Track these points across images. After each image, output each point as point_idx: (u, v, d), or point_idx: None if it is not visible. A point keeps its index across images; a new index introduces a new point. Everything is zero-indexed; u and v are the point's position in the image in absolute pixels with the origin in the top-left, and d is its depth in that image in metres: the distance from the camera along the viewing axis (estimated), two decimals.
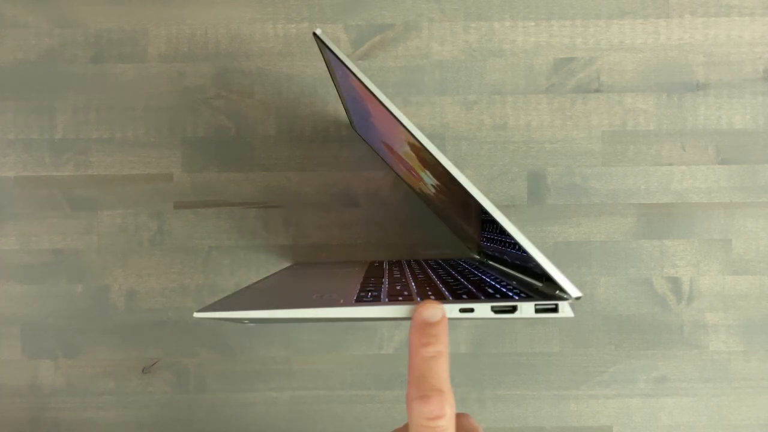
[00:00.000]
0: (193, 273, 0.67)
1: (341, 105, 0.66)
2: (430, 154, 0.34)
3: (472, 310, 0.32)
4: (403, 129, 0.35)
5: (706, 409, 0.66)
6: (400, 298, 0.35)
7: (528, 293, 0.35)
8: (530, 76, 0.66)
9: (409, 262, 0.61)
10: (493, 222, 0.34)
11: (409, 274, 0.49)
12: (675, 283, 0.66)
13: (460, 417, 0.38)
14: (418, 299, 0.35)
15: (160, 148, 0.67)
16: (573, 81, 0.66)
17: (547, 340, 0.66)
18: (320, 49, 0.45)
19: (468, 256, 0.67)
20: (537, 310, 0.32)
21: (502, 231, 0.34)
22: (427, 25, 0.67)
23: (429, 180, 0.49)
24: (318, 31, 0.37)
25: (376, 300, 0.35)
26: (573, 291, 0.32)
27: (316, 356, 0.67)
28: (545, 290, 0.35)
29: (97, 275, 0.67)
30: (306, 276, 0.53)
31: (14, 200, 0.67)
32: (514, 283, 0.41)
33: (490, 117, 0.67)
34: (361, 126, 0.60)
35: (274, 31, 0.67)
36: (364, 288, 0.40)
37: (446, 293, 0.37)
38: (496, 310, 0.32)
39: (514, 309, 0.32)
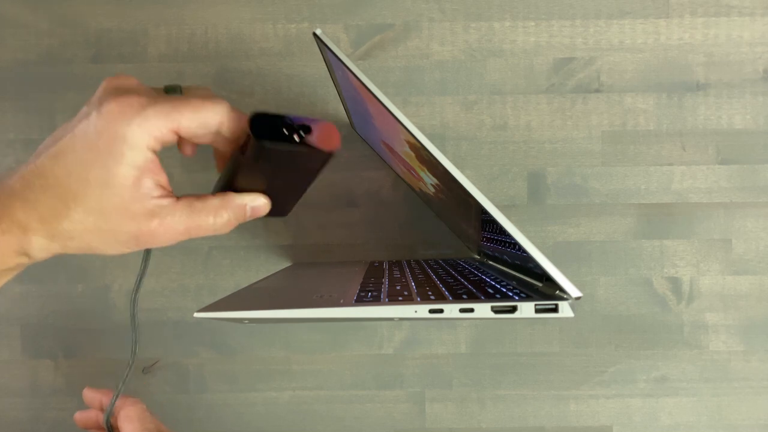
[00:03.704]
0: (193, 273, 0.67)
1: (341, 105, 0.66)
2: (430, 154, 0.34)
3: (472, 310, 0.32)
4: (403, 129, 0.35)
5: (706, 409, 0.66)
6: (400, 298, 0.35)
7: (528, 293, 0.35)
8: (530, 76, 0.66)
9: (409, 262, 0.61)
10: (494, 222, 0.34)
11: (409, 274, 0.49)
12: (675, 283, 0.66)
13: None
14: (418, 299, 0.35)
15: None
16: (573, 81, 0.66)
17: (547, 340, 0.66)
18: (320, 49, 0.45)
19: (468, 256, 0.67)
20: (537, 310, 0.32)
21: (502, 231, 0.34)
22: (427, 25, 0.67)
23: (429, 180, 0.49)
24: (318, 31, 0.37)
25: (376, 300, 0.35)
26: (573, 291, 0.32)
27: (316, 356, 0.67)
28: (545, 290, 0.36)
29: (97, 275, 0.67)
30: (306, 276, 0.53)
31: None
32: (514, 283, 0.41)
33: (490, 117, 0.67)
34: (361, 126, 0.60)
35: (274, 31, 0.67)
36: (364, 288, 0.40)
37: (446, 293, 0.37)
38: (496, 310, 0.32)
39: (514, 309, 0.32)
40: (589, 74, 0.66)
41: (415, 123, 0.35)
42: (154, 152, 0.30)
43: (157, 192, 0.31)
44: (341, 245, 0.67)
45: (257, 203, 0.35)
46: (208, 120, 0.31)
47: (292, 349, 0.67)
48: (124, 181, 0.29)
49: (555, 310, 0.32)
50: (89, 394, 0.49)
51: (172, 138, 0.30)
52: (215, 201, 0.33)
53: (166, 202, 0.31)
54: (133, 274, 0.67)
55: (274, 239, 0.67)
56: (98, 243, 0.31)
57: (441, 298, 0.35)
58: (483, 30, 0.66)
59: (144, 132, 0.29)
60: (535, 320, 0.64)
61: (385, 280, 0.45)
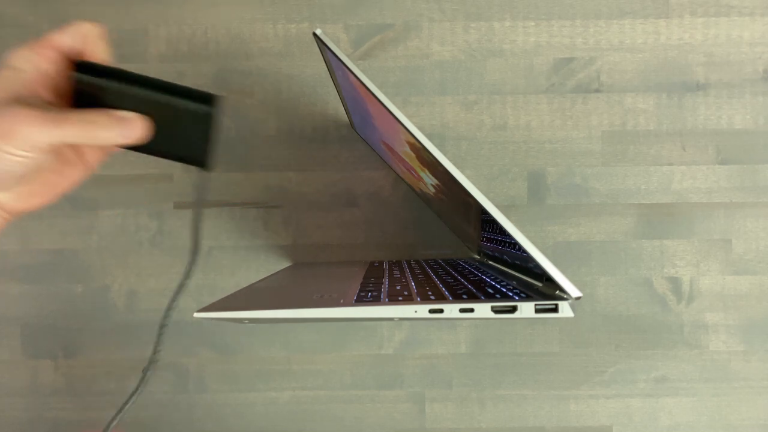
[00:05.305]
0: (193, 273, 0.67)
1: (341, 105, 0.66)
2: (430, 154, 0.34)
3: (472, 310, 0.32)
4: (403, 129, 0.35)
5: (706, 409, 0.66)
6: (400, 298, 0.35)
7: (528, 293, 0.35)
8: (530, 76, 0.66)
9: (409, 262, 0.61)
10: (493, 222, 0.34)
11: (409, 274, 0.49)
12: (675, 283, 0.66)
13: None
14: (418, 299, 0.35)
15: None
16: (573, 81, 0.66)
17: (547, 340, 0.66)
18: (320, 49, 0.45)
19: (468, 256, 0.67)
20: (537, 310, 0.32)
21: (502, 231, 0.34)
22: (427, 25, 0.67)
23: (429, 180, 0.49)
24: (318, 31, 0.37)
25: (376, 300, 0.35)
26: (573, 291, 0.32)
27: (316, 356, 0.67)
28: (545, 290, 0.36)
29: (97, 275, 0.67)
30: (306, 276, 0.53)
31: None
32: (514, 283, 0.41)
33: (490, 117, 0.67)
34: (361, 126, 0.60)
35: (274, 31, 0.67)
36: (364, 288, 0.40)
37: (446, 293, 0.37)
38: (496, 310, 0.32)
39: (514, 309, 0.32)
40: (589, 74, 0.66)
41: (415, 123, 0.35)
42: (40, 69, 0.34)
43: (26, 90, 0.34)
44: (341, 245, 0.67)
45: (125, 114, 0.35)
46: (81, 29, 0.35)
47: (292, 349, 0.67)
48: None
49: (555, 310, 0.32)
50: None
51: (53, 54, 0.34)
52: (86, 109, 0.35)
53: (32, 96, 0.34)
54: (134, 274, 0.67)
55: (274, 239, 0.67)
56: None
57: (441, 298, 0.35)
58: (483, 30, 0.66)
59: (25, 49, 0.34)
60: (535, 320, 0.64)
61: (385, 280, 0.45)
